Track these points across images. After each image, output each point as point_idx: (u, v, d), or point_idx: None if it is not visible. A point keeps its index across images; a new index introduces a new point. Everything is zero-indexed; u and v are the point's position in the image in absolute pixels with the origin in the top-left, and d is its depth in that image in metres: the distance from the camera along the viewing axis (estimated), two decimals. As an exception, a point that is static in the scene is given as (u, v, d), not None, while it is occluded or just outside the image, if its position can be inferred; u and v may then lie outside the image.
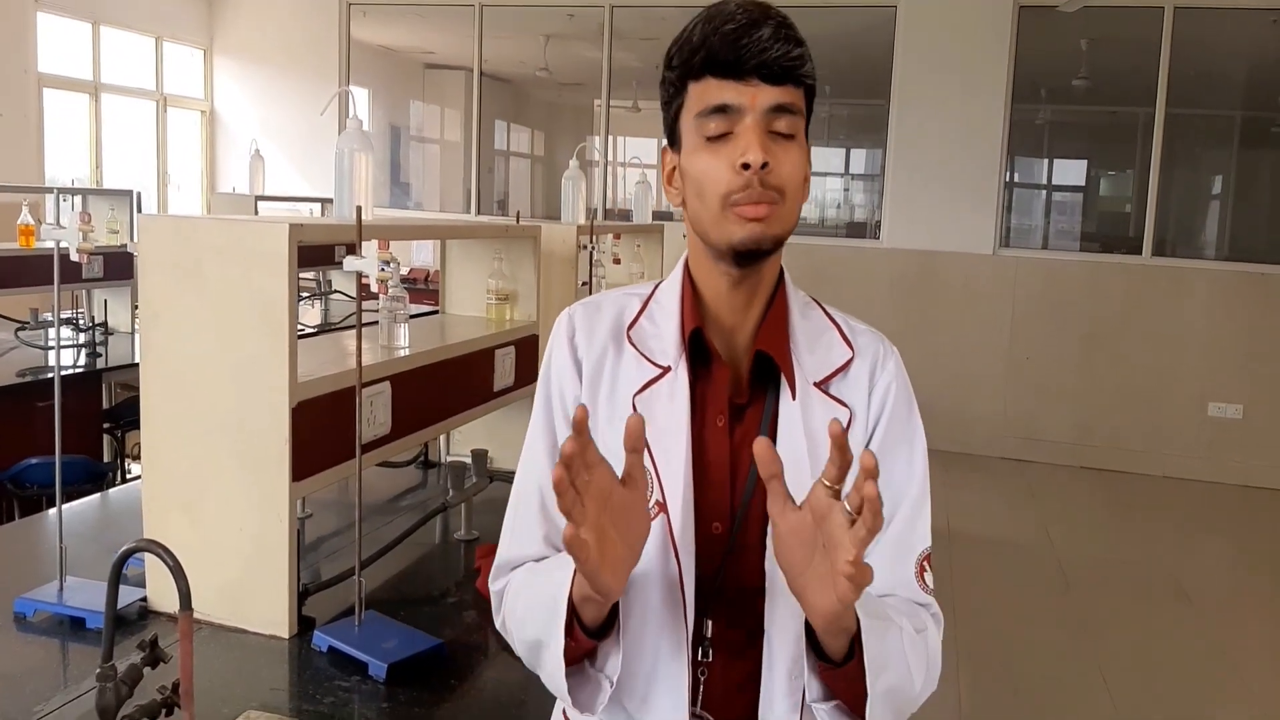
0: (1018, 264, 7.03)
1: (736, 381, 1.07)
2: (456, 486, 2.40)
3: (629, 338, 1.09)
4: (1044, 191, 7.80)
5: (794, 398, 1.05)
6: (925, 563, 1.07)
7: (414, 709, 1.52)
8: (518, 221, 3.00)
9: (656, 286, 1.14)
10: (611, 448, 0.97)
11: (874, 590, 0.99)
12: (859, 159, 8.34)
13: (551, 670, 0.99)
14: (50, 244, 1.85)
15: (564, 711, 1.15)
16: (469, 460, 2.51)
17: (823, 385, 1.08)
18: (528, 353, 2.69)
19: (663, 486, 1.03)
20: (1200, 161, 7.47)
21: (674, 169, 1.07)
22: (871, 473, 0.82)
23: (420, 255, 7.50)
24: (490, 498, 2.37)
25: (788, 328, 1.09)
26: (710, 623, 1.05)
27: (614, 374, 1.08)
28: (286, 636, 1.72)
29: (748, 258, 1.02)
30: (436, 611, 1.93)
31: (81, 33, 7.52)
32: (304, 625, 1.76)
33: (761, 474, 0.90)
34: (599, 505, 0.88)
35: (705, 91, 1.00)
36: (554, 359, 1.11)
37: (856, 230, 7.83)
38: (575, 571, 0.94)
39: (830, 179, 8.38)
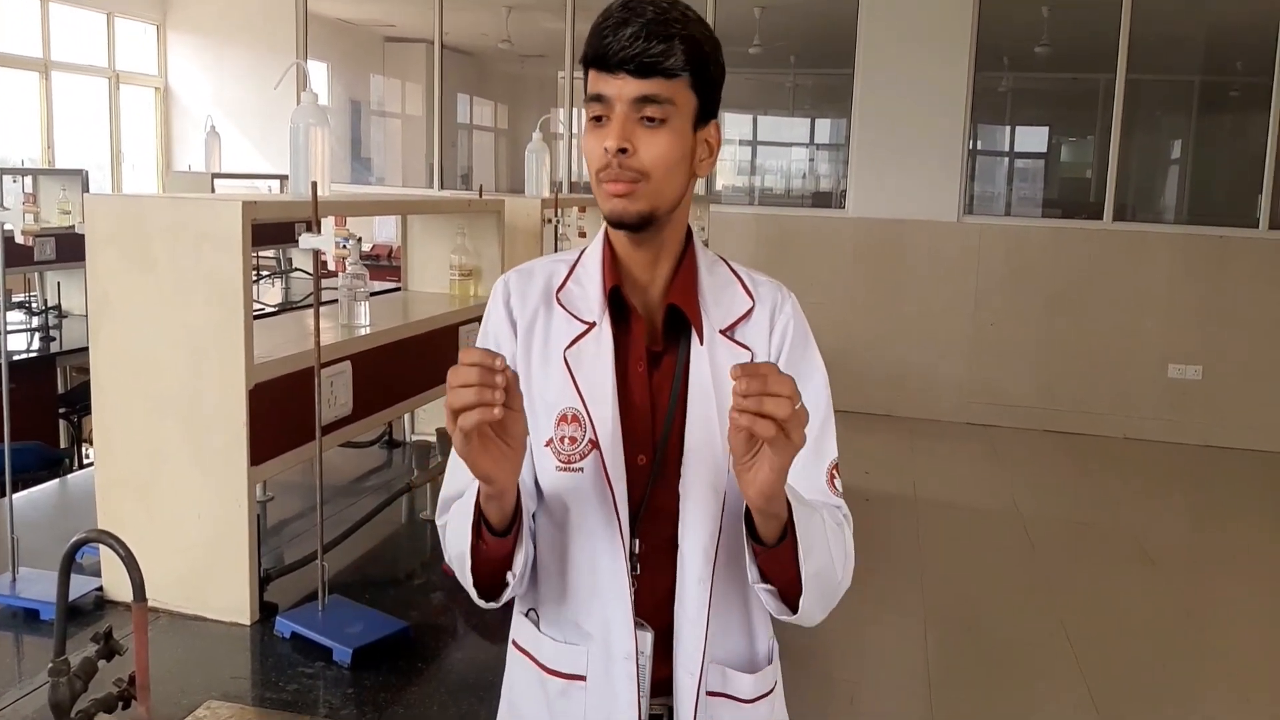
0: (981, 231, 7.06)
1: (653, 332, 1.22)
2: (421, 466, 2.37)
3: (558, 299, 1.23)
4: (1006, 159, 7.83)
5: (701, 344, 1.20)
6: (834, 470, 1.23)
7: (380, 693, 1.51)
8: (481, 196, 2.96)
9: (582, 252, 1.27)
10: (546, 396, 1.19)
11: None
12: (824, 129, 8.32)
13: (466, 571, 1.14)
14: (-6, 226, 1.80)
15: (514, 641, 1.26)
16: (434, 439, 2.49)
17: (728, 332, 1.22)
18: (491, 329, 2.65)
19: (594, 426, 1.17)
20: (1160, 126, 7.53)
21: None
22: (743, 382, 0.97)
23: (383, 231, 7.41)
24: (456, 476, 2.34)
25: (696, 283, 1.23)
26: (638, 541, 1.18)
27: (545, 332, 1.22)
28: (248, 623, 1.70)
29: (619, 226, 1.17)
30: (402, 594, 1.91)
31: (30, 9, 7.33)
32: (267, 611, 1.73)
33: (731, 375, 1.00)
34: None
35: (591, 81, 1.15)
36: (491, 319, 1.26)
37: (822, 200, 7.83)
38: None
39: (795, 149, 8.37)
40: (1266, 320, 6.63)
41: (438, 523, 1.27)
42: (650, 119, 1.13)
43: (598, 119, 1.14)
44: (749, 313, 1.23)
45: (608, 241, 1.23)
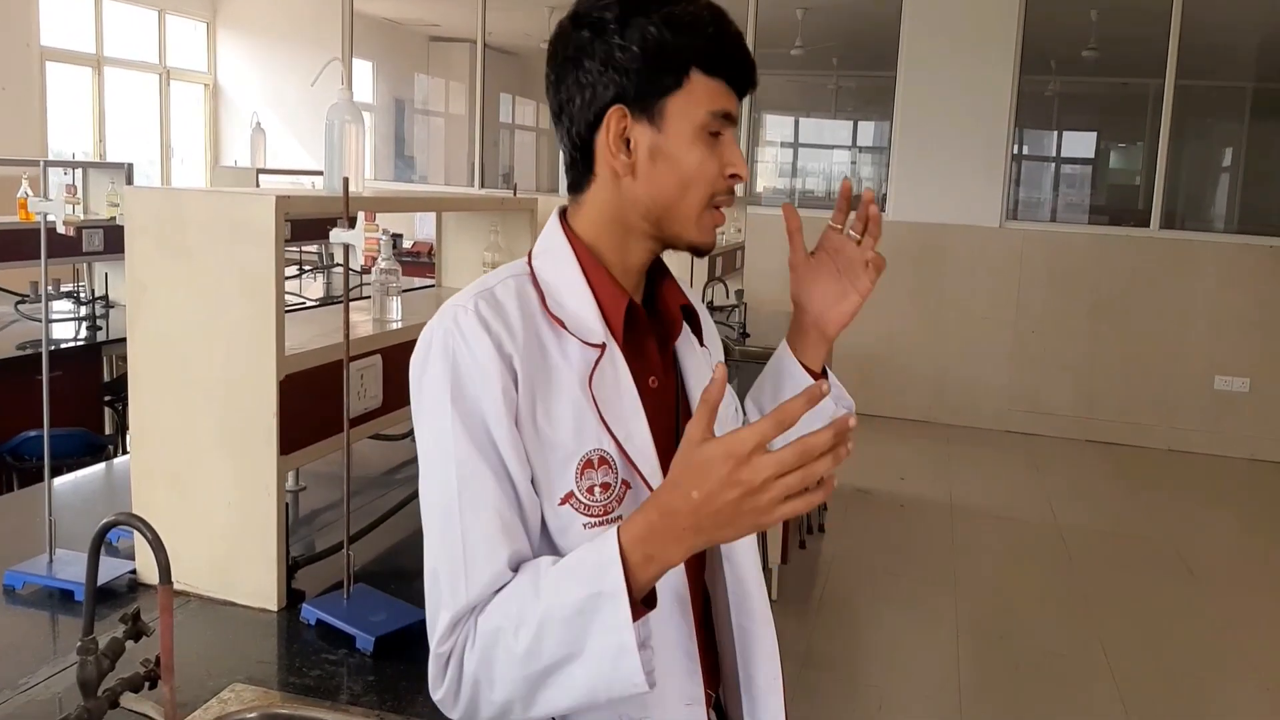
0: (1025, 237, 6.98)
1: (661, 340, 1.13)
2: (451, 460, 2.38)
3: (558, 321, 1.02)
4: (1052, 164, 7.73)
5: (702, 344, 1.16)
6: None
7: (401, 682, 1.52)
8: (515, 194, 2.98)
9: (528, 269, 1.07)
10: (561, 443, 0.99)
11: None
12: (866, 131, 8.28)
13: (602, 653, 0.87)
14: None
15: None
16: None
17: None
18: (523, 326, 2.67)
19: (633, 463, 1.01)
20: (1210, 133, 7.40)
21: (631, 138, 1.02)
22: (870, 199, 1.15)
23: (424, 228, 7.48)
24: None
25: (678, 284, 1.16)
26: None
27: (546, 367, 1.00)
28: (275, 609, 1.72)
29: (698, 253, 1.09)
30: (427, 585, 1.92)
31: (84, 6, 7.48)
32: (294, 598, 1.75)
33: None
34: None
35: (718, 94, 1.02)
36: (477, 359, 0.97)
37: (863, 203, 7.78)
38: (618, 540, 0.87)
39: (837, 151, 8.32)
40: (1317, 332, 6.50)
41: (438, 651, 0.96)
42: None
43: (715, 135, 1.03)
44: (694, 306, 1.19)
45: (583, 252, 1.06)
